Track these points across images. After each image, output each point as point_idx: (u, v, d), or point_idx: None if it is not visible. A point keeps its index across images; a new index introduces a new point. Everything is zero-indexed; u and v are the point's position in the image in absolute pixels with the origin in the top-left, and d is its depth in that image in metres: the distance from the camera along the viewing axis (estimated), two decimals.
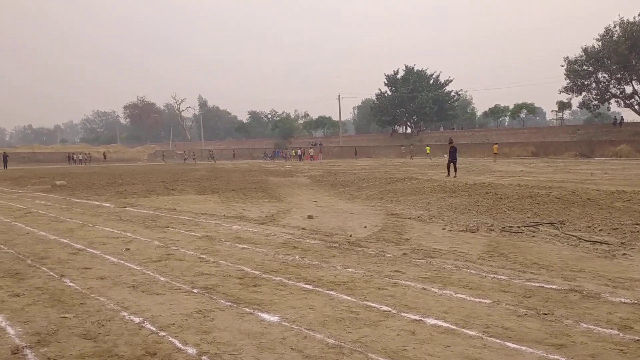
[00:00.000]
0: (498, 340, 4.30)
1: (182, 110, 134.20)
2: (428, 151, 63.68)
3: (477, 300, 5.44)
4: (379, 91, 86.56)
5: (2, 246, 9.05)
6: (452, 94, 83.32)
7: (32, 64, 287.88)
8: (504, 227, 10.22)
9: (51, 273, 6.96)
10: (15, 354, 4.14)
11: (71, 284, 6.36)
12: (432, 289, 5.88)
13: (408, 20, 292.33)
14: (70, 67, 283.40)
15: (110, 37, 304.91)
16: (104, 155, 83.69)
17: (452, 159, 23.78)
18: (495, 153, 48.04)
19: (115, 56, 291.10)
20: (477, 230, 10.02)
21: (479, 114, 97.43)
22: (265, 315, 5.03)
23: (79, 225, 11.45)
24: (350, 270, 6.90)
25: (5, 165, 54.30)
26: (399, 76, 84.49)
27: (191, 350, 4.16)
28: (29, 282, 6.53)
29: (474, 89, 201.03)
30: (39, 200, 18.22)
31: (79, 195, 19.53)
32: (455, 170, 23.68)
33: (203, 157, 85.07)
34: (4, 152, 59.62)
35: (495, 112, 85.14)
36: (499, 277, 6.43)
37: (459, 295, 5.61)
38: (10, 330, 4.70)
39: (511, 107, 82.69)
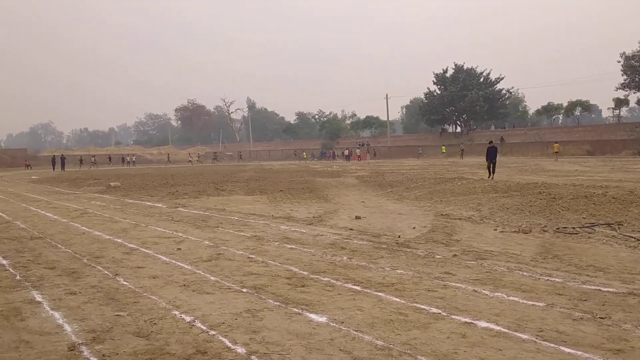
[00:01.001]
0: (552, 345, 4.17)
1: (232, 112, 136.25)
2: (443, 150, 66.75)
3: (531, 303, 5.30)
4: (427, 90, 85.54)
5: (59, 245, 9.38)
6: (503, 91, 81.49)
7: (88, 66, 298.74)
8: (558, 228, 9.93)
9: (106, 272, 7.17)
10: (71, 350, 4.28)
11: (125, 283, 6.53)
12: (484, 291, 5.76)
13: (456, 20, 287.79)
14: (124, 68, 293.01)
15: (164, 34, 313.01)
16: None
17: (491, 159, 22.93)
18: (556, 152, 46.86)
19: (170, 55, 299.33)
20: (530, 231, 9.76)
21: (531, 112, 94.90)
22: (313, 316, 5.04)
23: (133, 226, 11.76)
24: (399, 271, 6.84)
25: (62, 167, 56.33)
26: (448, 75, 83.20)
27: (240, 350, 4.20)
28: (85, 280, 6.74)
29: (526, 87, 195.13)
30: (94, 201, 18.81)
31: (133, 196, 20.07)
32: (494, 172, 22.78)
33: (242, 158, 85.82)
34: (62, 155, 61.92)
35: (549, 110, 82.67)
36: (553, 279, 6.25)
37: (511, 298, 5.48)
38: (67, 328, 4.86)
39: (565, 104, 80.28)
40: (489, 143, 24.45)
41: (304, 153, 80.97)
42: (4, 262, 7.98)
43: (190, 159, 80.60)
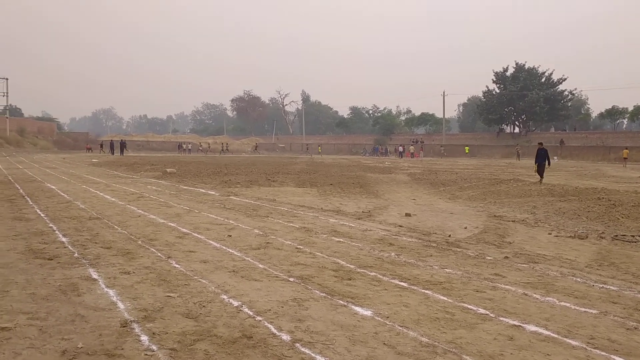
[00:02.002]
0: (603, 353, 4.05)
1: (286, 105, 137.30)
2: (467, 151, 68.62)
3: (583, 309, 5.14)
4: (486, 88, 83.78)
5: (116, 227, 9.70)
6: (566, 93, 78.87)
7: (162, 52, 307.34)
8: (616, 235, 9.58)
9: (159, 254, 7.37)
10: (123, 327, 4.43)
11: (177, 266, 6.70)
12: (534, 295, 5.63)
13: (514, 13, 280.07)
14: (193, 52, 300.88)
15: (208, 39, 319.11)
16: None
17: (540, 161, 21.88)
18: (625, 158, 44.94)
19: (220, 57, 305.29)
20: (587, 237, 9.46)
21: (594, 115, 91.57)
22: (358, 309, 5.04)
23: (186, 211, 12.04)
24: (447, 270, 6.76)
25: (122, 151, 58.05)
26: (508, 73, 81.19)
27: (285, 337, 4.26)
28: (139, 261, 6.95)
29: (590, 89, 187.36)
30: (150, 185, 19.33)
31: (187, 183, 20.53)
32: (541, 174, 21.80)
33: (293, 150, 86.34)
34: (122, 140, 63.80)
35: (613, 113, 79.54)
36: (608, 287, 6.04)
37: (562, 303, 5.33)
38: (121, 305, 5.03)
39: (630, 108, 77.04)
40: (539, 144, 23.30)
41: (319, 147, 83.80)
42: (64, 239, 8.33)
43: (202, 148, 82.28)
